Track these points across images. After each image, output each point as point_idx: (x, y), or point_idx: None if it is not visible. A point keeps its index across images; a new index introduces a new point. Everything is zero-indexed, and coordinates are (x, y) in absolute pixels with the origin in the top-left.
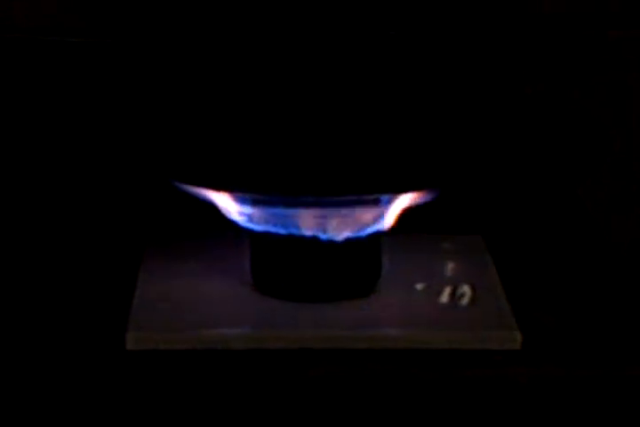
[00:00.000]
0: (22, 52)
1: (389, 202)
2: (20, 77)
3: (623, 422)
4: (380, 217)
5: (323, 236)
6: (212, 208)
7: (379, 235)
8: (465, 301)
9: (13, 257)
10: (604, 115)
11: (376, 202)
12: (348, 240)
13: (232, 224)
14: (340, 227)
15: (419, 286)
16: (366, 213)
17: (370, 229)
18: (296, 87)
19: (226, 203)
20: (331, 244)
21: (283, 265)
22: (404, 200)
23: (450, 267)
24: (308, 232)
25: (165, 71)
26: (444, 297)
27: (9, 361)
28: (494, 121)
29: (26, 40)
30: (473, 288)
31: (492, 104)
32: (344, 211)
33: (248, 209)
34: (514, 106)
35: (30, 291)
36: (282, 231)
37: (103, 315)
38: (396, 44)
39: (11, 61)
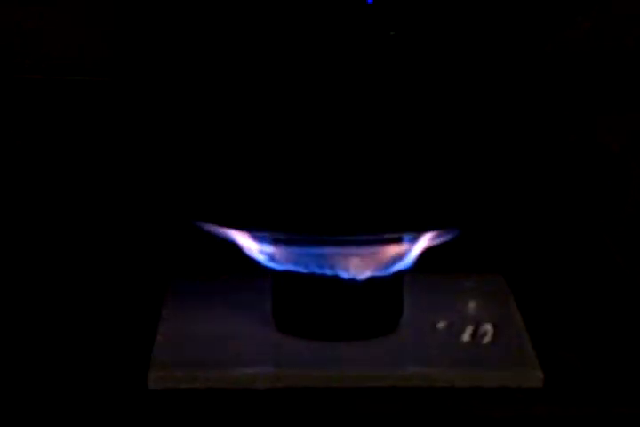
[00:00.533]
0: (46, 91)
1: (412, 241)
2: (43, 116)
3: None
4: (403, 256)
5: (344, 275)
6: (235, 247)
7: (401, 274)
8: (487, 339)
9: (37, 290)
10: (626, 156)
11: (399, 241)
12: (369, 279)
13: (254, 263)
14: (362, 266)
15: (440, 325)
16: (388, 252)
17: (392, 269)
18: (314, 128)
19: (247, 242)
20: (353, 283)
21: (304, 304)
22: (427, 239)
23: (471, 306)
24: (329, 271)
25: (188, 113)
26: (466, 336)
27: (29, 397)
28: (517, 160)
29: (49, 80)
30: (495, 327)
31: (515, 143)
32: (366, 250)
33: (269, 248)
34: (536, 146)
35: (52, 325)
36: (303, 270)
37: (125, 353)
38: (416, 85)
39: (35, 101)
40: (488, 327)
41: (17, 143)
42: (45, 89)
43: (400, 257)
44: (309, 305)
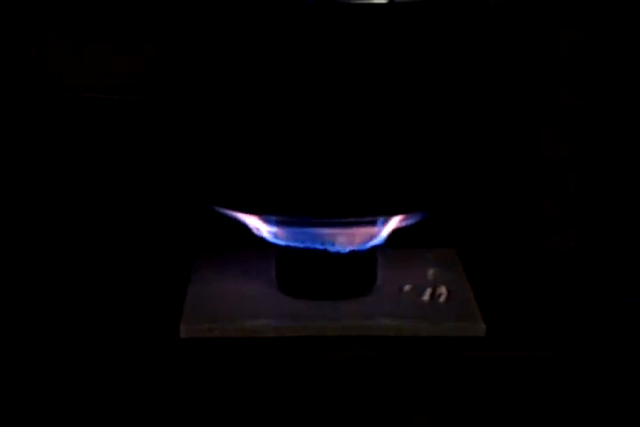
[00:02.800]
0: (88, 108)
1: (383, 223)
2: (84, 129)
3: (568, 394)
4: (376, 234)
5: (332, 249)
6: (246, 228)
7: (375, 248)
8: (442, 299)
9: (92, 264)
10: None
11: (373, 223)
12: (351, 252)
13: (262, 240)
14: (346, 242)
15: (406, 288)
16: (365, 232)
17: (368, 244)
18: (312, 139)
19: (256, 223)
20: (338, 255)
21: (301, 271)
22: (395, 221)
23: (430, 273)
24: (320, 246)
25: (210, 120)
26: (426, 296)
27: (79, 348)
28: (468, 159)
29: (93, 98)
30: (448, 289)
31: (467, 145)
32: (348, 230)
33: (273, 228)
34: (484, 147)
35: (102, 293)
36: (300, 245)
37: (162, 311)
38: (392, 98)
39: (77, 118)
40: (443, 290)
41: (67, 144)
42: (92, 105)
43: (374, 236)
44: (305, 272)
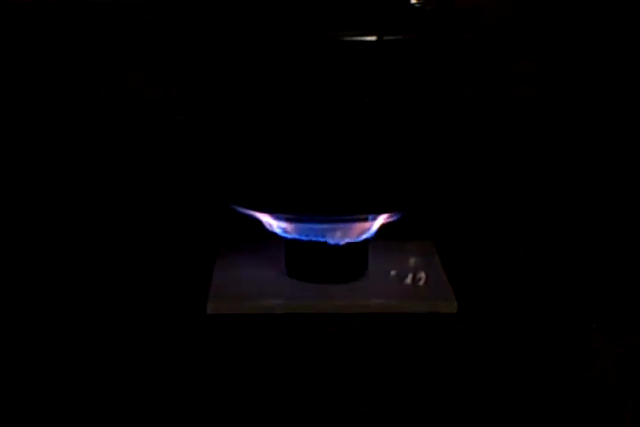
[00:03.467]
0: (143, 126)
1: (373, 219)
2: (130, 140)
3: (520, 361)
4: (367, 229)
5: (330, 241)
6: (260, 224)
7: (367, 240)
8: (421, 282)
9: (129, 252)
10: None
11: (365, 220)
12: (346, 244)
13: (273, 234)
14: (342, 235)
15: (391, 273)
16: (358, 227)
17: (361, 237)
18: (315, 154)
19: (268, 220)
20: (336, 246)
21: (305, 260)
22: (382, 218)
23: (412, 261)
24: (321, 239)
25: (230, 139)
26: (408, 280)
27: (118, 322)
28: (442, 169)
29: (145, 118)
30: (426, 275)
31: (444, 159)
32: (344, 225)
33: (283, 224)
34: (454, 159)
35: (142, 276)
36: (305, 238)
37: (191, 291)
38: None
39: (132, 136)
40: (422, 275)
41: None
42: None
43: (366, 230)
44: (309, 261)
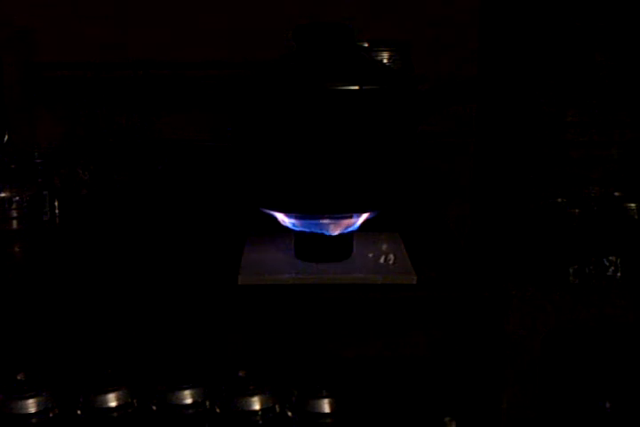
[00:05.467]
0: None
1: (358, 216)
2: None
3: (460, 318)
4: (353, 224)
5: (326, 233)
6: (276, 220)
7: (352, 232)
8: (391, 262)
9: (184, 242)
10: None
11: (351, 217)
12: (338, 235)
13: (285, 228)
14: (334, 228)
15: (369, 255)
16: (347, 222)
17: (348, 229)
18: (315, 168)
19: (281, 217)
20: (330, 236)
21: (309, 246)
22: (364, 216)
23: (384, 247)
24: (319, 231)
25: (252, 160)
26: (381, 260)
27: (160, 290)
28: (406, 179)
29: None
30: (394, 256)
31: (408, 172)
32: (336, 221)
33: (293, 220)
34: (413, 170)
35: (186, 256)
36: (307, 230)
37: (225, 266)
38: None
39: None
40: (391, 257)
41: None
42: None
43: (352, 224)
44: (311, 246)
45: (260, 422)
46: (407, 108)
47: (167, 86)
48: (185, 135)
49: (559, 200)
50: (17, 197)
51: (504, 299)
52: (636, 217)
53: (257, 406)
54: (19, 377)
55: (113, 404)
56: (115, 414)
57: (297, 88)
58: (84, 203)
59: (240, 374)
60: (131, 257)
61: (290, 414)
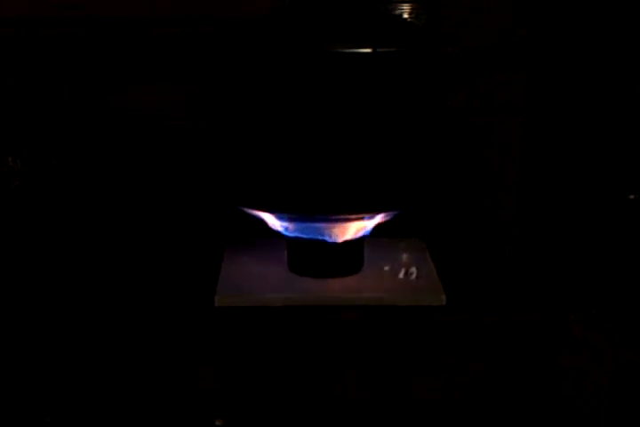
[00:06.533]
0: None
1: (369, 219)
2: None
3: (504, 349)
4: (364, 228)
5: (329, 239)
6: (264, 223)
7: (363, 238)
8: (413, 277)
9: (143, 250)
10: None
11: (361, 219)
12: (344, 241)
13: (276, 233)
14: (340, 233)
15: (385, 268)
16: (355, 225)
17: (358, 235)
18: (317, 158)
19: (271, 219)
20: (334, 243)
21: (306, 256)
22: (378, 217)
23: (404, 257)
24: (320, 237)
25: (235, 145)
26: (401, 274)
27: (132, 313)
28: (432, 172)
29: (151, 124)
30: (418, 269)
31: (434, 163)
32: (342, 224)
33: (285, 223)
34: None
35: (150, 271)
36: (305, 236)
37: (200, 285)
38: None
39: (138, 141)
40: (414, 270)
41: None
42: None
43: (362, 229)
44: (308, 257)
45: None
46: (434, 76)
47: (126, 48)
48: (148, 112)
49: (632, 197)
50: None
51: (560, 325)
52: None
53: None
54: None
55: None
56: None
57: (292, 51)
58: (15, 198)
59: (217, 424)
60: (72, 269)
61: None
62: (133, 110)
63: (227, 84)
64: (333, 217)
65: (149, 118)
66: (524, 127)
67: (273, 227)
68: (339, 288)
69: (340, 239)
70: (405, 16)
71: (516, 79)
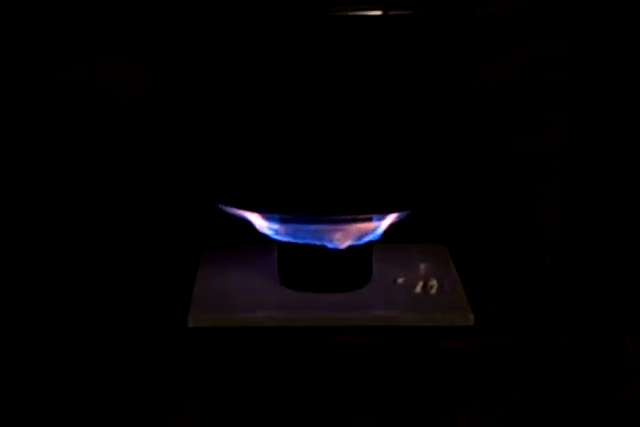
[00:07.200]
0: (96, 113)
1: (379, 220)
2: (94, 132)
3: (545, 379)
4: (372, 231)
5: (329, 245)
6: (249, 225)
7: (371, 243)
8: (433, 291)
9: (103, 260)
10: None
11: (369, 220)
12: (348, 247)
13: (263, 236)
14: (343, 238)
15: (399, 281)
16: (362, 228)
17: (364, 240)
18: (314, 143)
19: (258, 221)
20: (335, 250)
21: (301, 266)
22: (390, 218)
23: (422, 267)
24: (318, 242)
25: (212, 125)
26: (418, 288)
27: (92, 336)
28: (456, 158)
29: (105, 104)
30: (439, 282)
31: (459, 146)
32: (345, 226)
33: (275, 225)
34: (472, 147)
35: (115, 285)
36: (300, 242)
37: (170, 301)
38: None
39: (91, 122)
40: (434, 283)
41: (75, 144)
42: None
43: (370, 231)
44: (305, 267)
45: None
46: (458, 44)
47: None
48: (111, 89)
49: None
50: None
51: (614, 350)
52: None
53: None
54: None
55: None
56: None
57: (286, 15)
58: None
59: None
60: (17, 280)
61: None
62: (89, 88)
63: (207, 53)
64: (335, 217)
65: (108, 98)
66: (571, 111)
67: (260, 229)
68: (341, 305)
69: (343, 245)
70: None
71: (558, 52)
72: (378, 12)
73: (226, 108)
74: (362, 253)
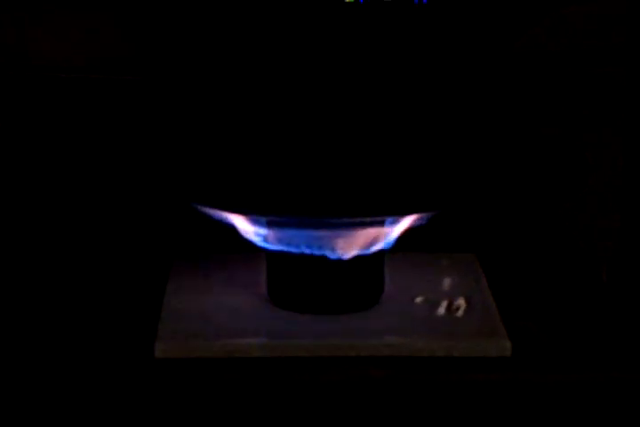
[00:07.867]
0: (51, 88)
1: (393, 223)
2: (45, 110)
3: (603, 419)
4: (384, 237)
5: (331, 255)
6: (232, 229)
7: (382, 253)
8: (460, 312)
9: (51, 272)
10: (581, 147)
11: (380, 223)
12: (354, 258)
13: (249, 244)
14: (348, 246)
15: (418, 300)
16: (371, 234)
17: (374, 248)
18: (306, 125)
19: (243, 224)
20: (339, 262)
21: (295, 281)
22: (406, 221)
23: (446, 282)
24: (317, 251)
25: (190, 107)
26: (441, 309)
27: (43, 366)
28: (487, 148)
29: (53, 77)
30: (467, 301)
31: (486, 136)
32: (351, 232)
33: (263, 230)
34: (505, 140)
35: (65, 304)
36: (294, 250)
37: (133, 326)
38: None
39: (38, 97)
40: (461, 302)
41: (41, 130)
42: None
43: (381, 238)
44: (300, 282)
45: None
46: (483, 13)
47: None
48: (74, 62)
49: None
50: None
51: None
52: None
53: None
54: None
55: None
56: None
57: None
58: None
59: None
60: None
61: None
62: (58, 60)
63: (193, 24)
64: (338, 221)
65: (66, 70)
66: (630, 89)
67: (246, 236)
68: (345, 331)
69: (349, 255)
70: None
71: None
72: None
73: (210, 92)
74: (371, 265)
